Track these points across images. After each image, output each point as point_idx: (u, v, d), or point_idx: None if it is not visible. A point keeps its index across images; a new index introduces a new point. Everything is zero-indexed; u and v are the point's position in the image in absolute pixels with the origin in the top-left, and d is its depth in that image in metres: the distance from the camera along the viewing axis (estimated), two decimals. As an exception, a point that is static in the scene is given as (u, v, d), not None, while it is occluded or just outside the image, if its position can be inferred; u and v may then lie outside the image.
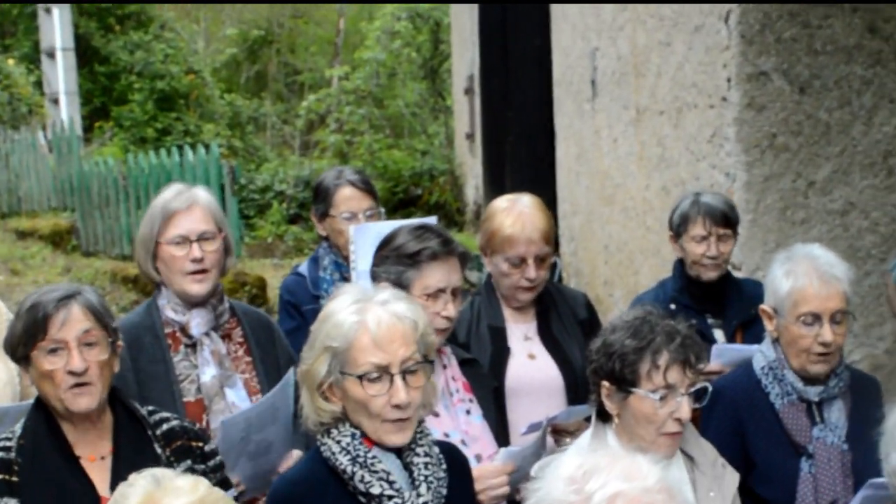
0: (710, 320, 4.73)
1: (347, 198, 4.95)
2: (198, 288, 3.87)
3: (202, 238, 3.87)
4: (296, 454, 3.79)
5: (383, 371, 2.91)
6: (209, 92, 20.26)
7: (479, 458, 3.62)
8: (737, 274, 5.17)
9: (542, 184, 9.35)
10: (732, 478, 3.46)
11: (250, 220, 15.13)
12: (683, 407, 3.23)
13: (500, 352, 4.23)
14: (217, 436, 3.59)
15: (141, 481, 2.28)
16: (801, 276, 3.71)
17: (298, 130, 20.06)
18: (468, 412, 3.74)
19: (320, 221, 5.05)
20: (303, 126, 19.87)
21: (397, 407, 2.92)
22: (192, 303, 3.91)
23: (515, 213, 4.21)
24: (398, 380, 2.92)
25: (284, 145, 20.68)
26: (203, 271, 3.86)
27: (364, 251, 4.16)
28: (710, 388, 3.37)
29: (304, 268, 5.10)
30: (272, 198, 15.77)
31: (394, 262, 3.67)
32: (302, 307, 4.87)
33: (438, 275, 3.66)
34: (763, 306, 3.87)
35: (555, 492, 2.06)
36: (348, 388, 2.94)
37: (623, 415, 3.30)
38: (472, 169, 15.03)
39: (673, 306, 4.61)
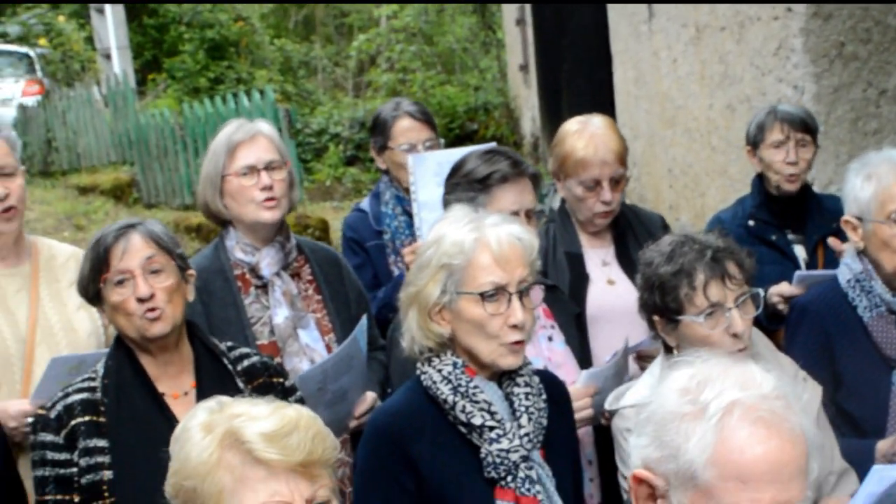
0: (790, 236, 4.63)
1: (406, 129, 4.90)
2: (270, 215, 3.82)
3: (270, 167, 3.83)
4: (370, 396, 3.80)
5: (501, 290, 2.88)
6: (259, 38, 20.25)
7: None
8: (811, 189, 5.08)
9: (601, 110, 9.15)
10: (815, 391, 3.39)
11: (308, 164, 15.15)
12: (735, 321, 3.13)
13: (579, 278, 4.17)
14: (290, 354, 3.62)
15: (200, 406, 2.31)
16: (884, 175, 3.59)
17: (350, 72, 20.00)
18: (550, 339, 3.71)
19: (379, 154, 5.01)
20: (354, 67, 19.81)
21: (514, 327, 2.88)
22: (262, 238, 3.87)
23: (587, 135, 4.13)
24: (515, 300, 2.89)
25: (337, 88, 20.62)
26: (273, 199, 3.82)
27: (424, 181, 4.13)
28: (763, 294, 3.26)
29: (365, 204, 5.08)
30: (328, 140, 15.77)
31: (465, 189, 3.62)
32: (365, 243, 4.85)
33: (511, 197, 3.61)
34: (846, 218, 3.73)
35: (668, 404, 1.99)
36: (463, 309, 2.89)
37: (681, 344, 3.21)
38: (527, 101, 14.90)
39: (752, 223, 4.54)
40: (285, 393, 3.29)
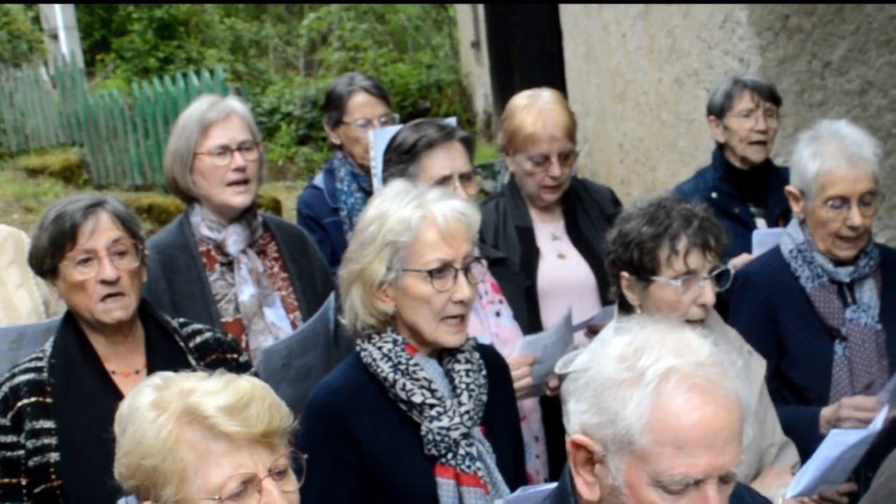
0: (752, 209, 4.67)
1: (361, 104, 4.89)
2: (240, 199, 3.79)
3: (243, 147, 3.79)
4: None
5: (448, 266, 2.87)
6: (208, 17, 20.04)
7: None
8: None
9: (552, 86, 9.20)
10: (759, 365, 3.44)
11: (260, 144, 15.04)
12: (706, 291, 3.19)
13: (530, 253, 4.19)
14: (259, 363, 3.56)
15: (147, 382, 2.31)
16: (829, 157, 3.61)
17: (301, 50, 19.86)
18: (498, 314, 3.71)
19: (333, 129, 4.99)
20: (305, 46, 19.67)
21: (461, 303, 2.88)
22: (229, 217, 3.83)
23: (536, 109, 4.14)
24: (462, 275, 2.88)
25: (289, 67, 20.47)
26: (245, 182, 3.78)
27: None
28: (732, 271, 3.32)
29: (319, 180, 5.05)
30: (280, 120, 15.69)
31: (397, 162, 3.62)
32: (322, 220, 4.84)
33: (440, 161, 3.60)
34: (789, 187, 3.79)
35: (606, 370, 2.04)
36: (409, 286, 2.88)
37: (645, 304, 3.25)
38: (479, 78, 14.90)
39: (715, 195, 4.55)
40: (239, 369, 3.21)
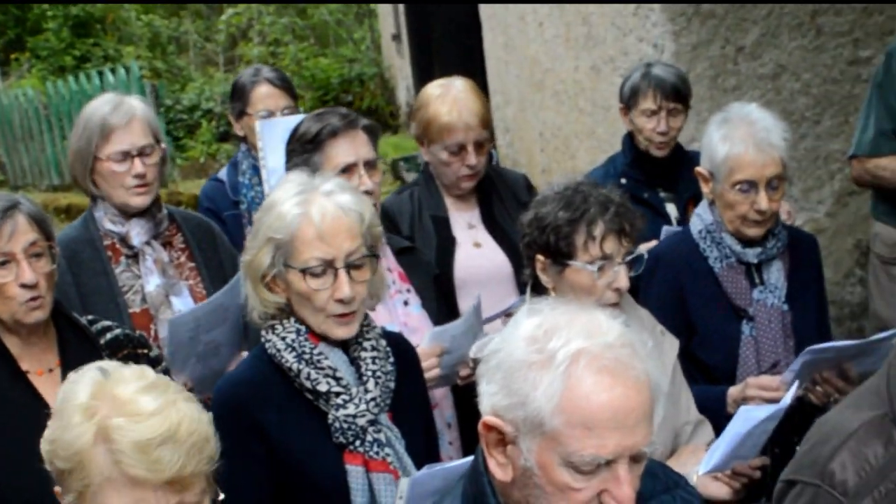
0: (661, 194, 4.69)
1: (264, 95, 4.87)
2: (139, 200, 3.83)
3: (143, 153, 3.81)
4: (245, 356, 3.75)
5: (328, 265, 2.85)
6: (125, 14, 19.73)
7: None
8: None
9: (473, 76, 9.20)
10: (672, 345, 3.48)
11: (180, 142, 14.86)
12: (621, 276, 3.22)
13: (446, 242, 4.19)
14: (165, 337, 3.57)
15: (87, 374, 2.22)
16: (738, 142, 3.63)
17: (221, 46, 19.63)
18: (406, 303, 3.70)
19: (237, 121, 4.97)
20: (225, 41, 19.45)
21: (341, 301, 2.86)
22: (130, 214, 3.86)
23: (450, 99, 4.13)
24: (342, 274, 2.86)
25: (209, 63, 20.23)
26: (145, 185, 3.81)
27: (272, 147, 4.07)
28: (646, 256, 3.35)
29: (223, 173, 5.03)
30: (200, 117, 15.48)
31: (300, 152, 3.59)
32: (222, 213, 4.82)
33: (344, 150, 3.57)
34: (699, 168, 3.81)
35: (516, 352, 2.04)
36: (291, 281, 2.88)
37: (559, 288, 3.26)
38: (401, 70, 14.84)
39: (624, 181, 4.56)
40: (151, 363, 3.18)
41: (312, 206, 2.84)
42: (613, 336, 2.02)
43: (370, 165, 3.60)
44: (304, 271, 2.84)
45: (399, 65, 14.96)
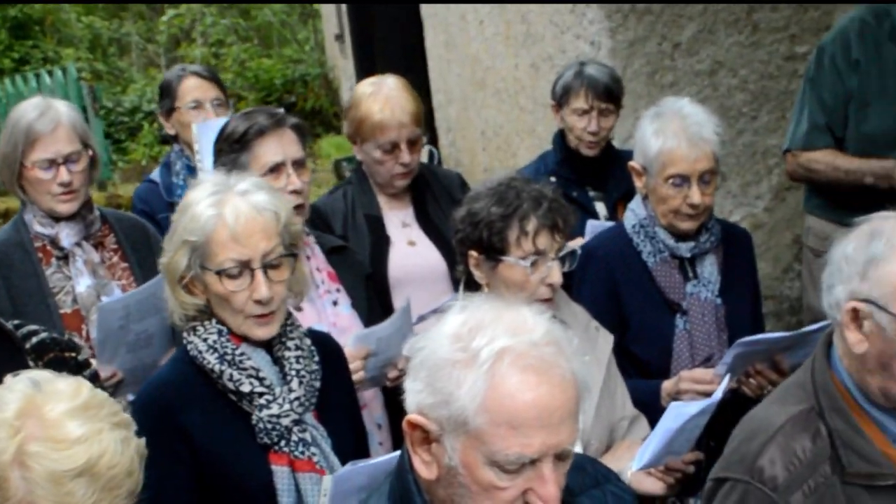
0: (591, 193, 4.69)
1: (192, 87, 4.86)
2: (66, 207, 3.82)
3: (69, 160, 3.80)
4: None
5: (244, 266, 2.82)
6: (65, 16, 19.49)
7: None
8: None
9: (415, 75, 9.18)
10: (606, 340, 3.47)
11: (122, 144, 14.70)
12: (554, 272, 3.21)
13: (380, 241, 4.16)
14: (94, 323, 3.56)
15: (19, 385, 2.14)
16: (670, 136, 3.63)
17: (163, 47, 19.45)
18: (335, 303, 3.67)
19: (167, 119, 4.94)
20: (167, 42, 19.27)
21: (259, 302, 2.82)
22: (59, 218, 3.85)
23: (382, 97, 4.09)
24: (259, 275, 2.82)
25: (151, 65, 20.04)
26: (71, 192, 3.80)
27: (209, 148, 4.03)
28: (579, 252, 3.35)
29: (156, 174, 4.99)
30: (142, 119, 15.33)
31: (227, 152, 3.54)
32: (157, 215, 4.73)
33: (272, 149, 3.52)
34: (632, 163, 3.81)
35: (440, 350, 2.02)
36: (209, 283, 2.84)
37: (493, 284, 3.25)
38: (344, 70, 14.77)
39: (554, 179, 4.52)
40: (78, 367, 3.16)
41: (226, 207, 2.80)
42: (539, 334, 2.00)
43: (298, 164, 3.55)
44: (220, 273, 2.80)
45: (343, 65, 14.89)
